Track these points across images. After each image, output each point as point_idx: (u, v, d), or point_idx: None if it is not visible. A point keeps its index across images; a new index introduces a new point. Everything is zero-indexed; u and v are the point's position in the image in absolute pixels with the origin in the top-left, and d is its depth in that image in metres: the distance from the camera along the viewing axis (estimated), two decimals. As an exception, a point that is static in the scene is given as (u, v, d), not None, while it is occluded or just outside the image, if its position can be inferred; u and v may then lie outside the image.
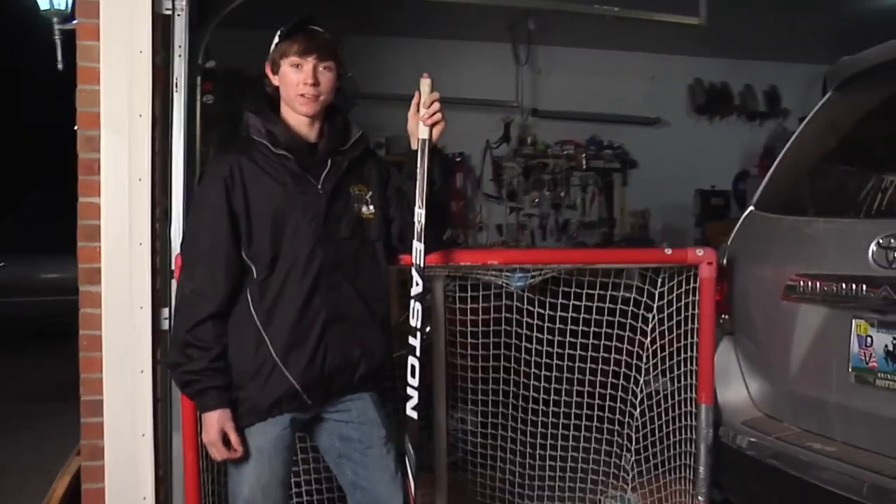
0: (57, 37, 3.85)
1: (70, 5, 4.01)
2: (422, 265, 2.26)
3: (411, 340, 2.25)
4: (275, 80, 2.23)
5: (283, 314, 2.13)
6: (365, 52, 6.95)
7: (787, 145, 2.92)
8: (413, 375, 2.25)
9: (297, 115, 2.20)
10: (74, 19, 2.67)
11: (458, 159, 7.71)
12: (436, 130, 2.26)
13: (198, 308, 2.12)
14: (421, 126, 2.25)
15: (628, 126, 8.31)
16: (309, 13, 2.19)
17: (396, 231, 2.35)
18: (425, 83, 2.26)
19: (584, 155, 8.17)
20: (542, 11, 5.64)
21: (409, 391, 2.26)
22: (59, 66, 3.80)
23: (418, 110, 2.25)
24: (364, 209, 2.27)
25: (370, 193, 2.30)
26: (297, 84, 2.16)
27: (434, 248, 2.39)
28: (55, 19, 3.95)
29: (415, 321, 2.25)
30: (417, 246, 2.25)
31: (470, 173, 7.99)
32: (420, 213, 2.24)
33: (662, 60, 8.22)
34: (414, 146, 2.28)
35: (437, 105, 2.24)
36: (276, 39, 2.21)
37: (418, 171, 2.24)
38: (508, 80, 7.89)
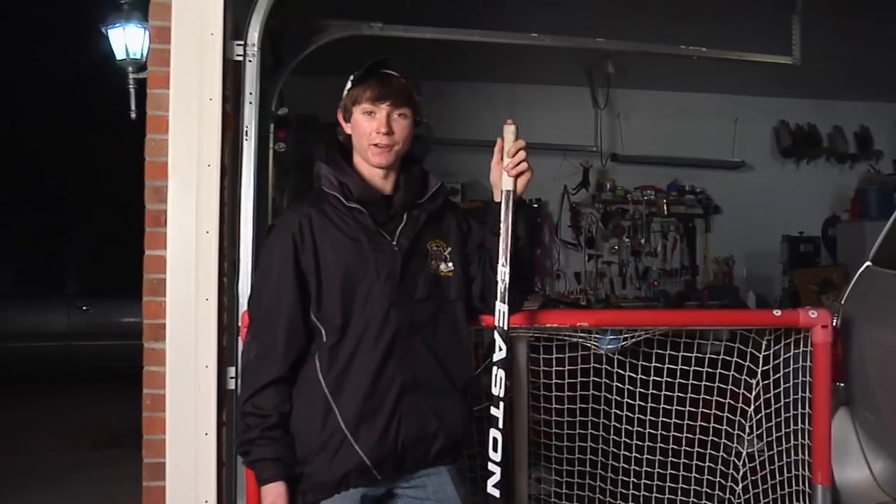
0: (131, 86, 3.84)
1: (146, 54, 4.00)
2: (505, 328, 2.06)
3: (494, 411, 2.05)
4: (347, 128, 2.08)
5: (355, 382, 1.96)
6: (440, 96, 6.88)
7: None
8: (495, 450, 2.04)
9: (371, 166, 2.05)
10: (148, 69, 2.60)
11: (536, 205, 7.55)
12: (521, 181, 2.08)
13: (260, 373, 1.98)
14: (505, 176, 2.07)
15: (711, 170, 8.13)
16: (384, 56, 2.04)
17: (478, 290, 2.16)
18: (509, 130, 2.07)
19: (664, 200, 8.02)
20: (627, 53, 5.46)
21: (491, 466, 2.05)
22: (133, 115, 3.77)
23: (502, 159, 2.07)
24: (442, 266, 2.10)
25: (449, 249, 2.12)
26: (370, 133, 2.01)
27: (517, 309, 2.19)
28: (130, 68, 3.94)
29: (497, 390, 2.05)
30: (500, 307, 2.06)
31: (547, 220, 7.82)
32: (504, 272, 2.05)
33: (745, 102, 8.05)
34: (497, 198, 2.10)
35: (522, 154, 2.05)
36: (349, 84, 2.07)
37: (502, 225, 2.06)
38: (587, 124, 7.77)
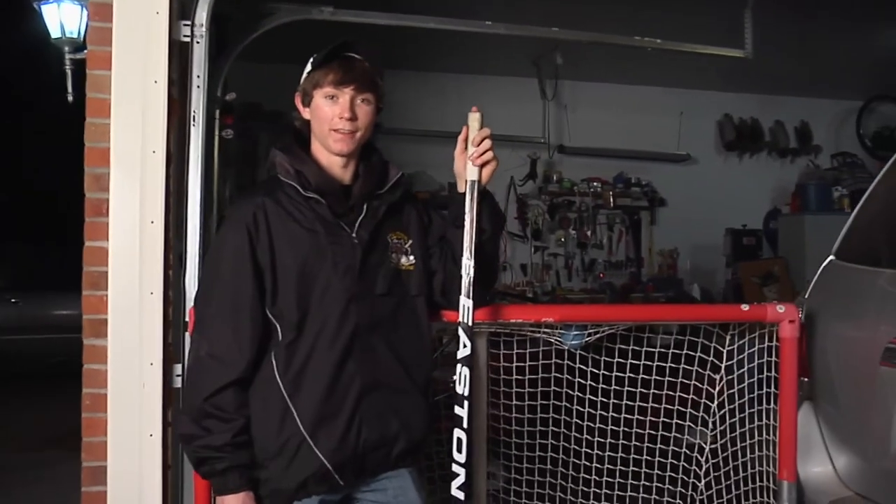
0: (68, 67, 3.66)
1: (83, 34, 3.81)
2: (470, 324, 1.98)
3: (458, 411, 1.96)
4: (305, 114, 1.98)
5: (313, 382, 1.85)
6: (386, 86, 6.75)
7: (871, 188, 2.63)
8: (459, 450, 1.96)
9: (330, 153, 1.94)
10: (87, 48, 2.45)
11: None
12: (486, 171, 1.99)
13: (216, 373, 1.85)
14: (469, 166, 1.98)
15: (656, 163, 8.19)
16: (347, 38, 1.93)
17: (439, 285, 2.08)
18: (474, 118, 1.98)
19: (611, 192, 8.06)
20: (576, 44, 5.42)
21: (455, 468, 1.96)
22: (69, 98, 3.59)
23: (466, 148, 1.99)
24: (403, 260, 2.00)
25: (410, 242, 2.03)
26: (332, 118, 1.90)
27: (480, 304, 2.11)
28: (67, 48, 3.75)
29: (462, 388, 1.97)
30: (465, 303, 1.97)
31: (495, 211, 7.76)
32: (469, 265, 1.97)
33: (691, 96, 8.12)
34: (461, 189, 2.01)
35: (488, 143, 1.97)
36: (309, 67, 1.96)
37: (466, 217, 1.97)
38: (534, 115, 7.74)
